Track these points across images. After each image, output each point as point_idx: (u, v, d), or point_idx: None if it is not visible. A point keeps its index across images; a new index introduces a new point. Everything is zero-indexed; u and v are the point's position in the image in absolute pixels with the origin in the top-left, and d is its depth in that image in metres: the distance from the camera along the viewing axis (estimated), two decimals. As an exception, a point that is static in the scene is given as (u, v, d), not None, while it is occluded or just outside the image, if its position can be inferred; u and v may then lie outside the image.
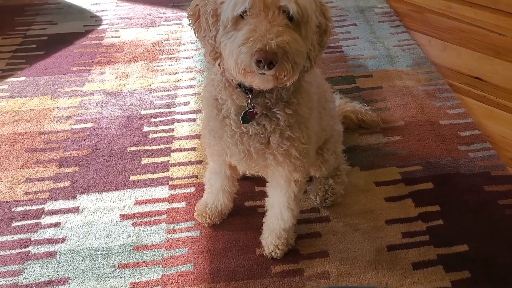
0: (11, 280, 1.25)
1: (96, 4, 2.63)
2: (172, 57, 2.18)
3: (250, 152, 1.06)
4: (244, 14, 0.84)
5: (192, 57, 2.18)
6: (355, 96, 1.90)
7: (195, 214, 1.41)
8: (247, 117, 1.00)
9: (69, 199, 1.47)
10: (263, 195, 1.34)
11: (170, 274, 1.26)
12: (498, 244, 1.35)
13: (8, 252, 1.32)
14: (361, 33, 2.37)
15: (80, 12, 2.55)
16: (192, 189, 1.52)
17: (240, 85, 0.98)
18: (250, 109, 0.99)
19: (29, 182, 1.53)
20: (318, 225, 1.41)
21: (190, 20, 0.96)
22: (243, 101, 0.99)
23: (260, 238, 1.34)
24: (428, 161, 1.63)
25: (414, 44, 2.27)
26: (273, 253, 1.29)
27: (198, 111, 1.85)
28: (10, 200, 1.47)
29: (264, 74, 0.84)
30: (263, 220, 1.33)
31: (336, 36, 2.35)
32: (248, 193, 1.50)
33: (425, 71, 2.09)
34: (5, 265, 1.28)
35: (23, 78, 2.02)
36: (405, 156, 1.65)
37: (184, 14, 2.52)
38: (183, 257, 1.31)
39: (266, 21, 0.82)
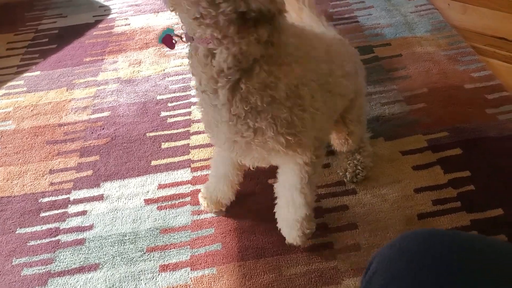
0: (44, 269, 1.26)
1: (103, -7, 2.61)
2: (184, 40, 2.14)
3: (236, 142, 0.91)
4: None
5: (204, 39, 2.14)
6: (374, 66, 1.85)
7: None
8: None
9: (93, 188, 1.48)
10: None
11: (198, 254, 1.26)
12: (534, 207, 1.30)
13: (39, 241, 1.33)
14: (376, 1, 2.29)
15: (89, 3, 2.53)
16: (214, 170, 1.50)
17: None
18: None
19: (53, 173, 1.54)
20: (344, 198, 1.38)
21: None
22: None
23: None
24: (455, 126, 1.57)
25: (432, 9, 2.18)
26: (294, 243, 1.20)
27: (214, 92, 1.82)
28: (36, 191, 1.48)
29: None
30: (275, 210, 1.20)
31: (350, 6, 2.27)
32: (272, 171, 1.46)
33: (445, 36, 2.00)
34: (37, 254, 1.30)
35: (38, 73, 2.02)
36: (431, 123, 1.59)
37: (193, -4, 2.48)
38: (210, 237, 1.30)
39: None
